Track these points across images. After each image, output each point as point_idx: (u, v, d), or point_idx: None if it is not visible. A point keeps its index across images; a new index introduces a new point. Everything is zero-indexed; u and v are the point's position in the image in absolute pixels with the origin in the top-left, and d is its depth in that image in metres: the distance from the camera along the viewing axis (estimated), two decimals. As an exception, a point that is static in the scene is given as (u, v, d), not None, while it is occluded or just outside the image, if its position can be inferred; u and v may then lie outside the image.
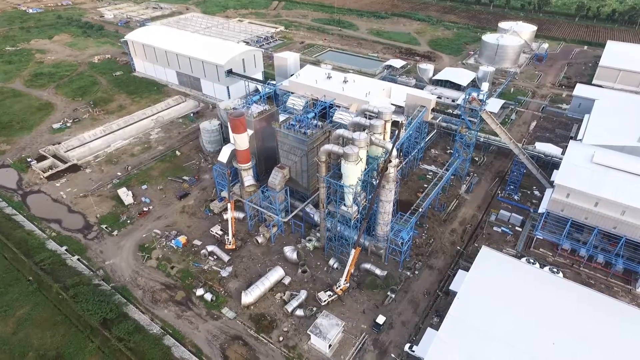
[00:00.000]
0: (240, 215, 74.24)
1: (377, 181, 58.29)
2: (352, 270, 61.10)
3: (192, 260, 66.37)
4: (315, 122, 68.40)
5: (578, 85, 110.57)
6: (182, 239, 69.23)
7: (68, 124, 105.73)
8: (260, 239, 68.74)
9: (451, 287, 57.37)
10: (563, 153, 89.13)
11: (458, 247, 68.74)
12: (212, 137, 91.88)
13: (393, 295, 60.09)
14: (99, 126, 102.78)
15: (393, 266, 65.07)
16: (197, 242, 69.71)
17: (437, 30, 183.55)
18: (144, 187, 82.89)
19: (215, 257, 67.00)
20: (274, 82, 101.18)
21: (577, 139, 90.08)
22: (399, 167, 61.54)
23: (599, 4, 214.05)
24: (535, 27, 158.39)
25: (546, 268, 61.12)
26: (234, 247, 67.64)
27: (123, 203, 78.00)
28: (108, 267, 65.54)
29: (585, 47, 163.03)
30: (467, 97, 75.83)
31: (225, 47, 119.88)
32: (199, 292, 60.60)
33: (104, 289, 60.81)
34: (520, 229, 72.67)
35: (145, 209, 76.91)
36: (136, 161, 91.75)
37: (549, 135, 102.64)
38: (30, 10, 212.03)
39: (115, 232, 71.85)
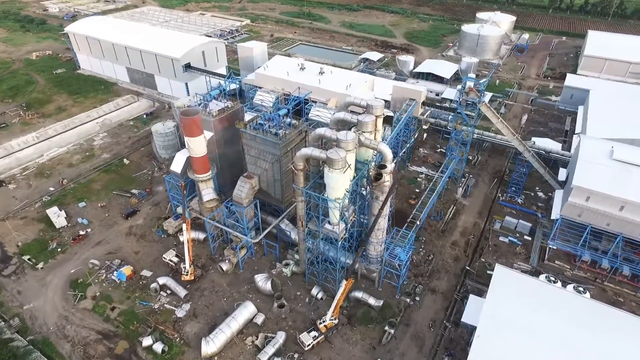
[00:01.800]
0: (201, 235, 61.12)
1: (372, 195, 46.78)
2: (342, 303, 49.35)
3: (139, 298, 52.73)
4: (289, 120, 56.19)
5: (569, 76, 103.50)
6: (126, 270, 55.42)
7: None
8: (225, 266, 55.88)
9: (463, 319, 46.64)
10: (563, 148, 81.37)
11: (467, 267, 58.10)
12: (167, 142, 77.90)
13: (392, 331, 48.71)
14: (31, 132, 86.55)
15: (389, 292, 53.80)
16: (146, 273, 56.08)
17: (412, 22, 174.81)
18: (82, 204, 68.14)
19: (168, 292, 53.63)
20: (238, 77, 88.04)
21: (576, 132, 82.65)
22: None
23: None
24: (514, 18, 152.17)
25: (570, 287, 51.34)
26: (192, 277, 54.49)
27: (53, 226, 63.17)
28: (26, 313, 50.90)
29: (564, 38, 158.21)
30: (463, 87, 65.75)
31: (182, 39, 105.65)
32: (147, 341, 47.12)
33: (17, 346, 46.27)
34: (529, 238, 63.08)
35: (81, 233, 62.41)
36: (74, 172, 76.55)
37: (543, 129, 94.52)
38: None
39: (40, 265, 57.09)
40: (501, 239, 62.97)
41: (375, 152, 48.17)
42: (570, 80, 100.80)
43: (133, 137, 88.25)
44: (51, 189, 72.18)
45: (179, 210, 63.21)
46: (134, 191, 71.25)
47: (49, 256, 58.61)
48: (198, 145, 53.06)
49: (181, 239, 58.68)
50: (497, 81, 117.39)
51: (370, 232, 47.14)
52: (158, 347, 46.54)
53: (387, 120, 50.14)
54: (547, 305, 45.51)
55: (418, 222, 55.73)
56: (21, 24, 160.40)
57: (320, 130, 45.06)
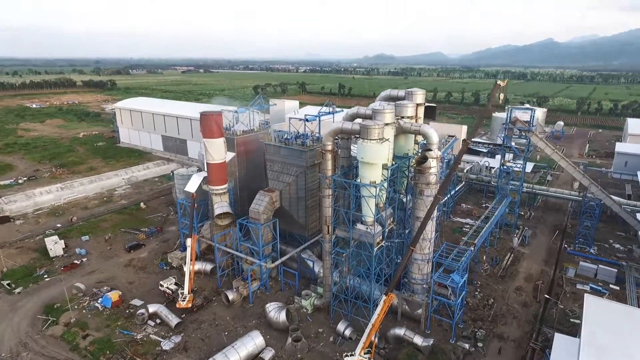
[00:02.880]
0: (208, 267, 51.84)
1: (416, 191, 38.53)
2: (374, 336, 36.82)
3: (121, 327, 41.98)
4: (318, 133, 51.31)
5: (619, 144, 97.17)
6: (113, 295, 45.77)
7: (20, 182, 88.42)
8: (231, 295, 45.29)
9: (553, 361, 32.97)
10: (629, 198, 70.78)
11: (548, 296, 44.71)
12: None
13: (450, 381, 34.77)
14: (56, 184, 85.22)
15: (440, 336, 40.57)
16: (136, 302, 46.02)
17: (442, 119, 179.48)
18: (85, 238, 61.53)
19: (158, 321, 42.80)
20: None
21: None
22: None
23: (597, 101, 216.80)
24: (545, 109, 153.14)
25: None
26: (189, 305, 43.87)
27: (48, 255, 55.96)
28: (-19, 335, 40.98)
29: (600, 130, 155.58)
30: (509, 118, 60.59)
31: (217, 107, 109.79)
32: (116, 373, 35.45)
33: (-47, 367, 35.71)
34: (616, 287, 49.37)
35: (75, 262, 54.53)
36: (87, 213, 71.78)
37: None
38: (34, 106, 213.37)
39: (17, 290, 48.48)
40: (579, 286, 49.62)
41: (416, 144, 41.65)
42: (622, 147, 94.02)
43: (155, 189, 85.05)
44: (58, 225, 66.83)
45: (188, 242, 55.18)
46: (143, 229, 64.60)
47: (32, 281, 50.21)
48: (217, 149, 48.06)
49: (184, 269, 49.40)
50: (538, 156, 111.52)
51: (418, 234, 37.11)
52: (129, 380, 34.58)
53: (429, 114, 44.20)
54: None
55: (472, 248, 44.87)
56: (78, 116, 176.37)
57: (353, 109, 39.64)
